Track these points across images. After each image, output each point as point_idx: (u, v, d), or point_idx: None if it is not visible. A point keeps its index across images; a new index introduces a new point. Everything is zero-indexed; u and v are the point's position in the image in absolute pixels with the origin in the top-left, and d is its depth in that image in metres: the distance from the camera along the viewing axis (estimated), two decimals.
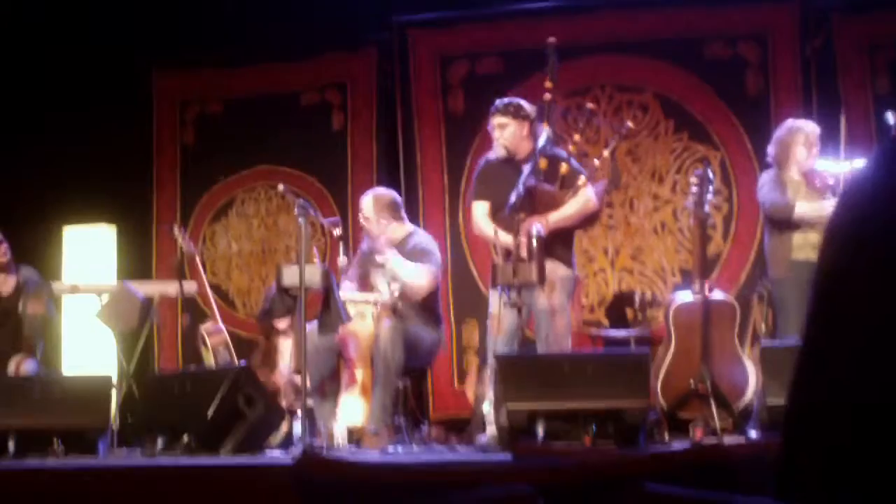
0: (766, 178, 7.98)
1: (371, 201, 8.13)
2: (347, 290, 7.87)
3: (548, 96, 7.70)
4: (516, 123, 7.65)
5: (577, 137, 8.16)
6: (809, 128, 7.96)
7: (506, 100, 7.83)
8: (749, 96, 9.53)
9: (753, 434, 6.93)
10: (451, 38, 10.26)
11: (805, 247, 7.74)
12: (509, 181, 7.35)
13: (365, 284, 8.08)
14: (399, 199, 8.35)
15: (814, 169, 7.83)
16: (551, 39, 7.82)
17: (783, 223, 7.77)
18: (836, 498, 1.49)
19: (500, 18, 10.18)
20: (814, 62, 9.42)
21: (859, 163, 7.59)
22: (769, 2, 9.62)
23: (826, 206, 7.65)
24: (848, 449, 1.48)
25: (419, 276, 7.87)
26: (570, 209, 7.51)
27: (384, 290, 7.90)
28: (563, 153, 7.71)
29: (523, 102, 7.75)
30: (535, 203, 7.37)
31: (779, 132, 8.04)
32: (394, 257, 7.86)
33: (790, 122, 8.06)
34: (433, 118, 10.19)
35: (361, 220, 8.16)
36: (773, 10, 9.59)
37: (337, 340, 7.66)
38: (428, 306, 7.99)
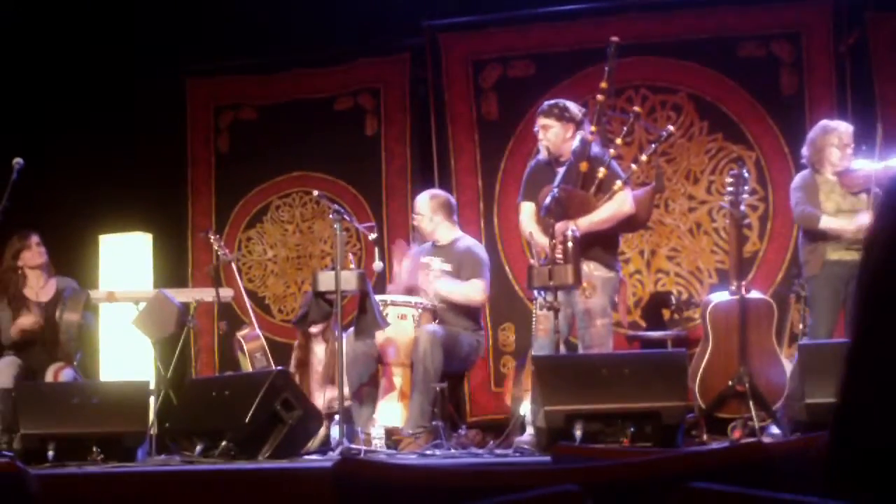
0: (798, 182, 7.94)
1: (427, 199, 8.21)
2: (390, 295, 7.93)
3: (600, 97, 7.68)
4: (560, 125, 7.63)
5: (618, 141, 8.14)
6: (842, 128, 7.91)
7: (552, 101, 7.82)
8: (783, 95, 9.50)
9: (775, 431, 6.91)
10: (483, 42, 10.26)
11: (838, 247, 7.71)
12: (551, 183, 7.35)
13: (414, 285, 8.12)
14: (454, 202, 8.40)
15: (849, 169, 7.78)
16: (614, 39, 7.80)
17: (811, 232, 7.76)
18: (882, 496, 1.48)
19: (531, 21, 10.17)
20: (848, 60, 9.38)
21: (895, 162, 7.57)
22: (802, 1, 9.58)
23: (852, 222, 7.61)
24: (893, 447, 1.47)
25: (473, 293, 7.92)
26: (602, 213, 7.48)
27: (430, 291, 7.94)
28: (606, 157, 7.67)
29: (570, 104, 7.73)
30: (565, 207, 7.34)
31: (812, 134, 8.01)
32: (443, 283, 7.90)
33: (823, 123, 8.02)
34: (467, 122, 10.19)
35: (415, 219, 8.21)
36: (807, 8, 9.56)
37: (378, 346, 7.68)
38: (469, 311, 8.01)
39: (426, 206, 8.18)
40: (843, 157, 7.80)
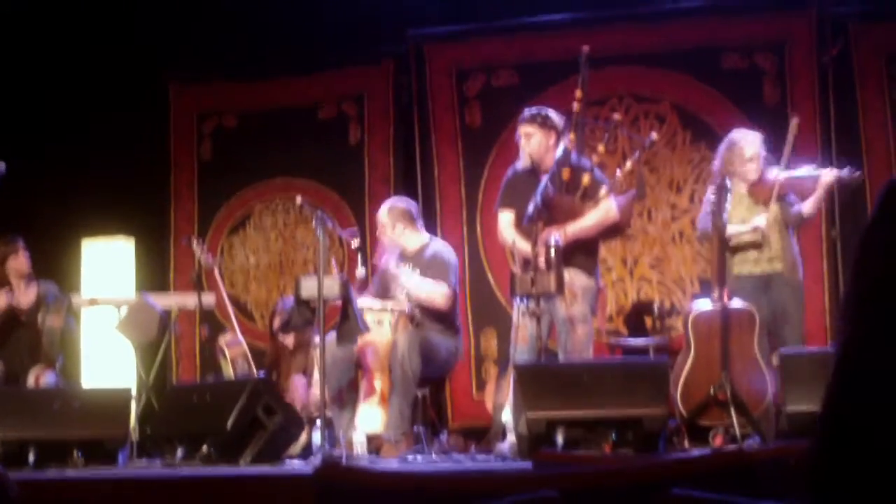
0: (708, 194, 7.96)
1: (385, 212, 8.17)
2: (366, 300, 7.90)
3: (577, 106, 7.70)
4: (542, 133, 7.64)
5: (601, 148, 8.15)
6: (746, 141, 7.88)
7: (534, 109, 7.82)
8: (766, 106, 9.52)
9: (753, 443, 6.92)
10: (467, 52, 10.27)
11: (745, 260, 7.75)
12: (533, 191, 7.35)
13: (386, 298, 8.10)
14: (415, 208, 8.36)
15: (761, 179, 7.78)
16: (585, 48, 7.82)
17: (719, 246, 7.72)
18: (870, 499, 1.49)
19: (515, 31, 10.19)
20: (831, 71, 9.41)
21: (804, 170, 7.62)
22: (785, 12, 9.61)
23: (747, 226, 7.65)
24: (887, 451, 1.47)
25: (436, 296, 7.89)
26: (589, 220, 7.50)
27: (402, 298, 7.93)
28: (588, 163, 7.70)
29: (551, 113, 7.73)
30: (554, 213, 7.37)
31: (721, 146, 8.03)
32: (408, 278, 7.89)
33: (729, 136, 8.02)
34: (450, 131, 10.20)
35: (378, 232, 8.19)
36: (790, 19, 9.59)
37: (356, 350, 7.67)
38: (445, 316, 8.00)
39: (386, 219, 8.16)
40: (750, 170, 7.79)
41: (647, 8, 9.93)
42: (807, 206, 7.73)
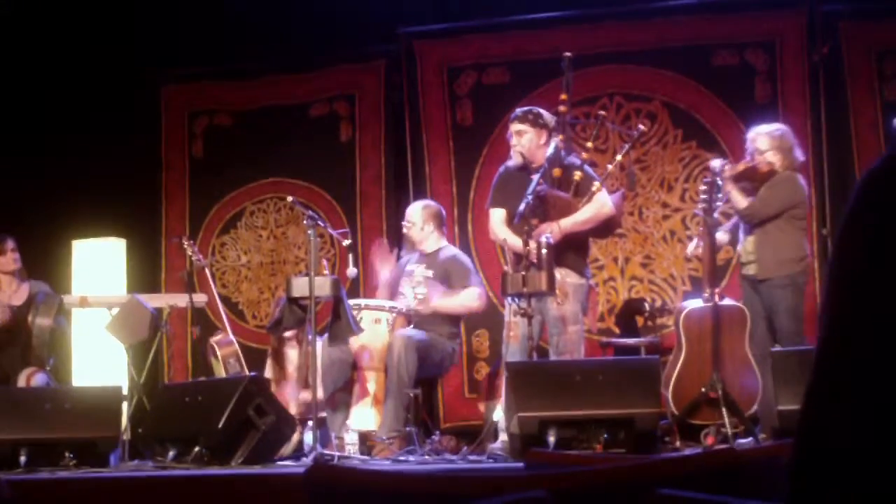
0: None
1: (420, 208, 8.27)
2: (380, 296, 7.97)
3: (562, 108, 7.72)
4: (534, 131, 7.65)
5: (589, 145, 8.15)
6: (758, 130, 7.87)
7: (525, 108, 7.85)
8: (757, 104, 9.52)
9: (749, 440, 6.91)
10: (458, 49, 10.28)
11: (745, 263, 7.78)
12: (524, 189, 7.36)
13: (396, 291, 8.15)
14: (444, 213, 8.44)
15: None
16: (567, 54, 7.86)
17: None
18: (851, 499, 1.48)
19: (506, 29, 10.19)
20: (822, 69, 9.41)
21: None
22: (777, 9, 9.61)
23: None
24: (867, 450, 1.47)
25: (470, 303, 7.97)
26: (583, 214, 7.51)
27: (409, 295, 7.97)
28: (578, 161, 7.72)
29: (543, 111, 7.76)
30: (548, 210, 7.38)
31: None
32: (439, 301, 7.93)
33: None
34: (441, 129, 10.19)
35: (405, 227, 8.25)
36: (781, 17, 9.60)
37: (353, 353, 7.69)
38: (450, 317, 8.03)
39: (418, 215, 8.23)
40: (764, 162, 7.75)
41: (637, 6, 9.93)
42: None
